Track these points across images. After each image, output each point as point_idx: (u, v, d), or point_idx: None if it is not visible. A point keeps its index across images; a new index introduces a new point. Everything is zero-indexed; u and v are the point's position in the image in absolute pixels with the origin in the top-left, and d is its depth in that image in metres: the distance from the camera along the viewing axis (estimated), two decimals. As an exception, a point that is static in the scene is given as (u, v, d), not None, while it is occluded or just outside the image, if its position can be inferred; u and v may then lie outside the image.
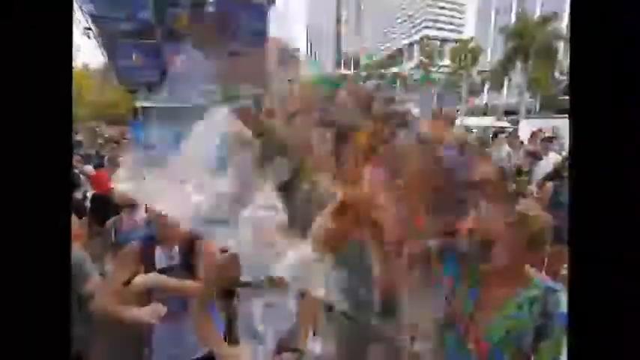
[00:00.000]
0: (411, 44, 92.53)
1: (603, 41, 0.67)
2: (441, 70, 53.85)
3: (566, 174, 3.71)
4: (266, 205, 1.84)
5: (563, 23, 34.84)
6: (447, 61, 56.66)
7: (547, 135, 6.20)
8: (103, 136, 9.17)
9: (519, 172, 4.86)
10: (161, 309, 1.88)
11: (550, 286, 1.37)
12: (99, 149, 7.44)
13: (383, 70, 72.61)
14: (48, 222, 0.67)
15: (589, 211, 0.69)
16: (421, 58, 56.20)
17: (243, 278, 1.84)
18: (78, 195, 4.48)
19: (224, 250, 2.53)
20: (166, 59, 25.91)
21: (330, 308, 3.82)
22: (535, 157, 5.15)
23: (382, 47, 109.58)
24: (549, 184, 3.96)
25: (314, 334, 2.20)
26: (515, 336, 1.35)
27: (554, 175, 4.10)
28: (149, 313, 1.85)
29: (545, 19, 33.19)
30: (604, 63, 0.67)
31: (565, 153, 5.58)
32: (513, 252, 1.35)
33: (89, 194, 4.43)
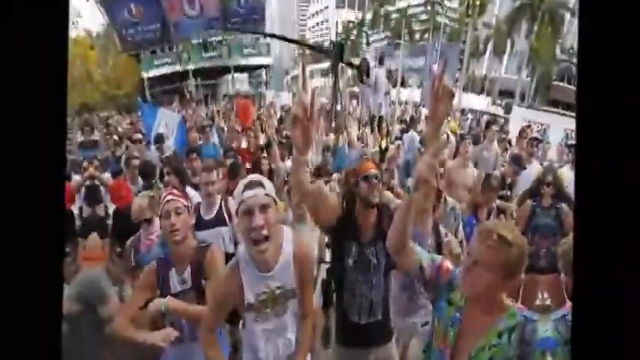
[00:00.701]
0: None
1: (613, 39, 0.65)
2: (448, 14, 52.07)
3: (542, 191, 3.80)
4: (252, 179, 1.87)
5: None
6: (454, 4, 54.46)
7: (534, 135, 6.42)
8: (117, 130, 9.34)
9: (503, 184, 4.86)
10: (173, 333, 1.98)
11: (527, 316, 1.39)
12: (114, 149, 7.59)
13: (390, 8, 68.95)
14: (39, 219, 0.66)
15: (594, 213, 0.69)
16: None
17: (247, 299, 1.87)
18: (100, 211, 4.45)
19: (228, 255, 2.66)
20: (166, 6, 25.34)
21: (327, 335, 4.08)
22: (519, 163, 5.20)
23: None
24: (527, 204, 3.92)
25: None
26: None
27: (533, 190, 4.06)
28: (162, 337, 1.94)
29: None
30: (613, 65, 0.66)
31: (546, 162, 5.89)
32: (492, 277, 1.35)
33: (110, 210, 4.44)
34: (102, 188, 4.89)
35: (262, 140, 7.88)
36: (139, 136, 6.99)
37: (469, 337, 1.46)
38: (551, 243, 3.64)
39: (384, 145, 7.12)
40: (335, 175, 5.21)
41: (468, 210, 3.95)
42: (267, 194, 1.77)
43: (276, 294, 1.88)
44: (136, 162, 5.04)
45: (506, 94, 34.91)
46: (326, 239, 3.44)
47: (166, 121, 7.95)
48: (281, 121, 15.01)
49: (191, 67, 28.37)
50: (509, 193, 4.97)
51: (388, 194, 3.14)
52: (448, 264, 1.68)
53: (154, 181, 4.49)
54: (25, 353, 0.67)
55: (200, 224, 3.29)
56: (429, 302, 2.34)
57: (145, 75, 27.34)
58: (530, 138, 6.05)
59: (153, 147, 6.80)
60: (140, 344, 1.95)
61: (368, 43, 52.40)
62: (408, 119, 12.16)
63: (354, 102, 22.36)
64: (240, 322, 2.18)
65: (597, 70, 0.67)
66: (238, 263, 1.89)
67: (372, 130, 9.52)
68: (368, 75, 12.23)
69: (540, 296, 3.62)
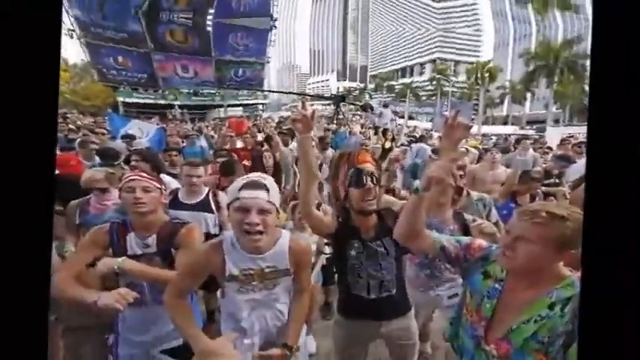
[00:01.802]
0: (422, 64, 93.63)
1: (626, 56, 0.66)
2: (456, 85, 54.54)
3: None
4: (254, 178, 1.81)
5: (588, 45, 35.87)
6: (462, 78, 57.54)
7: (580, 140, 6.48)
8: (75, 123, 9.24)
9: (548, 175, 4.99)
10: (131, 295, 1.84)
11: None
12: (67, 134, 7.31)
13: (393, 82, 73.86)
14: (29, 213, 0.66)
15: (603, 220, 0.69)
16: (434, 74, 57.09)
17: (229, 271, 1.80)
18: None
19: (208, 235, 2.61)
20: (157, 66, 26.53)
21: (327, 308, 3.81)
22: (567, 160, 5.25)
23: (391, 65, 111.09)
24: (584, 185, 3.85)
25: (307, 332, 2.23)
26: (544, 339, 1.36)
27: None
28: (116, 298, 1.79)
29: (569, 42, 34.06)
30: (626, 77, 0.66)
31: None
32: (540, 250, 1.36)
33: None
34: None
35: (261, 137, 7.68)
36: (103, 130, 6.51)
37: (509, 310, 1.47)
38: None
39: (387, 145, 6.75)
40: (325, 192, 5.02)
41: (502, 197, 4.02)
42: (269, 201, 1.74)
43: (266, 272, 1.85)
44: (94, 146, 4.85)
45: (536, 123, 35.63)
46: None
47: (140, 126, 7.27)
48: (280, 123, 15.28)
49: (177, 103, 29.02)
50: (557, 180, 5.12)
51: (388, 198, 3.00)
52: (480, 242, 1.73)
53: (116, 162, 4.27)
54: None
55: (178, 206, 3.16)
56: (456, 276, 2.56)
57: (120, 99, 27.62)
58: (577, 143, 6.15)
59: (119, 141, 6.25)
60: (90, 306, 1.80)
61: (371, 98, 54.61)
62: (417, 136, 11.96)
63: (358, 117, 22.84)
64: (219, 290, 2.10)
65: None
66: (222, 242, 1.84)
67: (376, 133, 9.39)
68: (372, 110, 12.62)
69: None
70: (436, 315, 3.03)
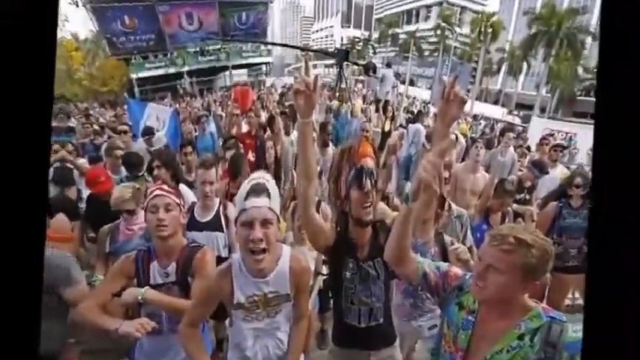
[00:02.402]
0: (428, 6, 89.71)
1: (635, 42, 0.63)
2: (459, 39, 53.15)
3: (572, 192, 3.80)
4: (257, 181, 1.85)
5: (593, 19, 34.60)
6: (465, 30, 55.97)
7: (558, 142, 6.28)
8: (98, 121, 9.27)
9: (520, 187, 4.92)
10: (150, 324, 1.91)
11: (554, 316, 1.40)
12: (93, 137, 7.37)
13: (398, 30, 72.02)
14: (22, 215, 0.66)
15: (609, 227, 0.67)
16: (439, 21, 55.56)
17: (237, 299, 1.91)
18: (72, 194, 4.26)
19: (219, 258, 2.67)
20: (162, 20, 26.19)
21: (323, 336, 3.96)
22: (541, 169, 4.97)
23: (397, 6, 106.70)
24: (552, 205, 3.91)
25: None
26: None
27: (558, 193, 4.10)
28: (136, 327, 1.86)
29: (574, 11, 32.92)
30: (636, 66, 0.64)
31: (574, 166, 5.84)
32: (508, 279, 1.38)
33: (84, 194, 4.24)
34: (75, 172, 4.74)
35: (264, 117, 8.09)
36: (125, 127, 6.53)
37: (484, 340, 1.50)
38: (582, 243, 3.77)
39: (387, 128, 7.02)
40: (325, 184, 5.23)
41: (477, 216, 3.94)
42: (270, 208, 1.79)
43: (269, 297, 1.93)
44: (119, 152, 4.77)
45: (525, 107, 35.38)
46: (322, 256, 3.41)
47: (157, 114, 7.67)
48: (282, 95, 15.32)
49: (185, 68, 29.23)
50: (528, 197, 5.01)
51: (383, 207, 3.11)
52: (456, 270, 1.75)
53: (140, 173, 4.34)
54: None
55: (193, 225, 3.23)
56: (436, 307, 2.54)
57: (134, 75, 28.28)
58: (554, 145, 5.97)
59: (140, 139, 6.41)
60: (111, 332, 1.87)
61: (375, 53, 53.33)
62: (415, 111, 12.15)
63: (360, 85, 22.73)
64: (227, 320, 2.17)
65: (618, 88, 0.66)
66: (231, 266, 1.93)
67: (377, 110, 9.70)
68: (375, 72, 12.50)
69: (571, 295, 3.82)
70: (418, 345, 3.19)
